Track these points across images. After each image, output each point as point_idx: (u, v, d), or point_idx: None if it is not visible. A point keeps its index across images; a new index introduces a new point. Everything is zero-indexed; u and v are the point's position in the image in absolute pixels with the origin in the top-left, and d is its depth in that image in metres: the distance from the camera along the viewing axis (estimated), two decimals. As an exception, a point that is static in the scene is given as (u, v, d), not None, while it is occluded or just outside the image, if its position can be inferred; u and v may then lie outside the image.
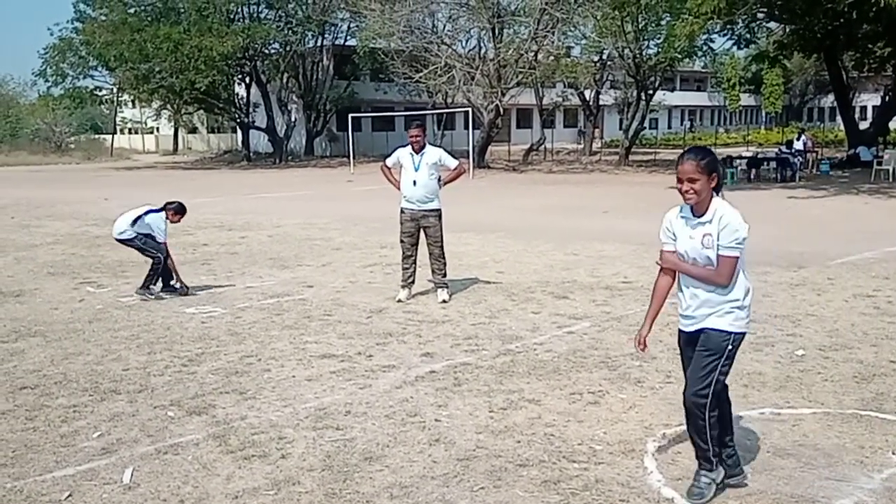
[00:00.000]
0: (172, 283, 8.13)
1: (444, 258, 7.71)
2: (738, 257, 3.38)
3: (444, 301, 7.54)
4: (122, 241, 8.02)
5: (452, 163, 7.78)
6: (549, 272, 9.08)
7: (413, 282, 7.77)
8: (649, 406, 4.75)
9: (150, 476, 3.88)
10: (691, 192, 3.36)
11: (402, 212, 7.69)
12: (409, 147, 7.64)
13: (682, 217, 3.50)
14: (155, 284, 8.00)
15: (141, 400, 4.97)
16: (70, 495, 3.68)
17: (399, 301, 7.60)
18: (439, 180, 7.66)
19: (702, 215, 3.41)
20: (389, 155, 7.95)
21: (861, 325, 6.46)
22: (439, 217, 7.65)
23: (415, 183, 7.51)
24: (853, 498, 3.56)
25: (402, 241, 7.73)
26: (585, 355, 5.78)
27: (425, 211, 7.56)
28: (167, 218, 8.04)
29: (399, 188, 7.66)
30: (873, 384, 5.03)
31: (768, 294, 7.71)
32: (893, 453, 4.00)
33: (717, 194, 3.43)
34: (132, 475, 3.88)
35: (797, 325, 6.50)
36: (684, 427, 4.36)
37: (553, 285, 8.31)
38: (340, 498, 3.62)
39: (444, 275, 7.73)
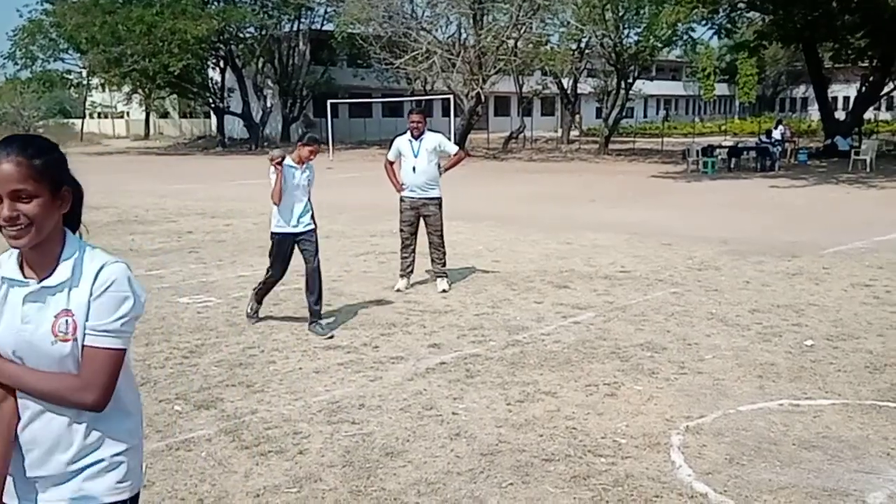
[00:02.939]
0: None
1: (443, 247, 7.60)
2: (123, 352, 1.73)
3: (445, 290, 7.43)
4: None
5: (452, 148, 7.66)
6: (546, 261, 9.01)
7: (412, 271, 7.65)
8: (667, 398, 4.69)
9: (164, 474, 3.73)
10: (20, 223, 1.66)
11: (401, 200, 7.54)
12: (408, 134, 7.50)
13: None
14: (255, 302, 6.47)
15: (144, 393, 4.79)
16: (82, 495, 3.52)
17: (398, 290, 7.47)
18: (439, 167, 7.53)
19: (50, 275, 1.72)
20: (389, 147, 7.77)
21: (864, 315, 6.48)
22: (440, 206, 7.52)
23: (414, 169, 7.37)
24: (885, 491, 3.53)
25: (401, 230, 7.59)
26: (595, 346, 5.71)
27: (426, 199, 7.43)
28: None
29: (399, 191, 7.51)
30: (886, 374, 5.03)
31: (767, 284, 7.71)
32: (919, 445, 3.98)
33: (79, 234, 1.81)
34: (145, 473, 3.72)
35: (801, 315, 6.50)
36: (707, 419, 4.35)
37: (551, 274, 8.24)
38: (366, 495, 3.51)
39: (444, 264, 7.62)
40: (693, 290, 7.42)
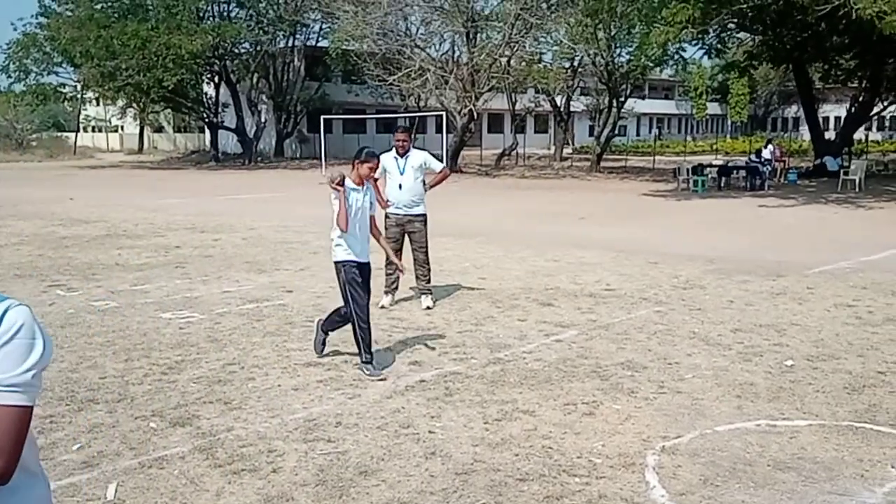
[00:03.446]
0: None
1: (428, 264, 7.60)
2: (31, 410, 1.47)
3: (429, 308, 7.42)
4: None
5: (438, 165, 7.69)
6: (532, 279, 9.02)
7: (397, 288, 7.65)
8: (645, 417, 4.69)
9: (135, 492, 3.70)
10: None
11: (386, 217, 7.55)
12: (393, 151, 7.53)
13: None
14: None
15: (120, 410, 4.77)
16: (50, 513, 3.49)
17: (382, 307, 7.46)
18: (424, 184, 7.55)
19: None
20: None
21: (845, 335, 6.50)
22: (425, 222, 7.54)
23: (400, 187, 7.40)
24: (858, 513, 3.53)
25: (385, 247, 7.59)
26: (576, 364, 5.71)
27: (411, 216, 7.45)
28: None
29: (385, 207, 7.52)
30: (864, 395, 5.04)
31: (751, 303, 7.73)
32: (893, 466, 3.99)
33: None
34: (116, 491, 3.70)
35: (782, 335, 6.52)
36: (683, 440, 4.34)
37: (536, 292, 8.25)
38: (337, 515, 3.49)
39: (429, 281, 7.62)
40: (677, 309, 7.43)
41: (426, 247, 7.58)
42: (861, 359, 5.84)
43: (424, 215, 7.53)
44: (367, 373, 5.41)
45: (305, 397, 5.01)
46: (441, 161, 7.94)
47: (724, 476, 3.88)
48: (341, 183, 5.47)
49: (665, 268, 9.71)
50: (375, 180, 6.00)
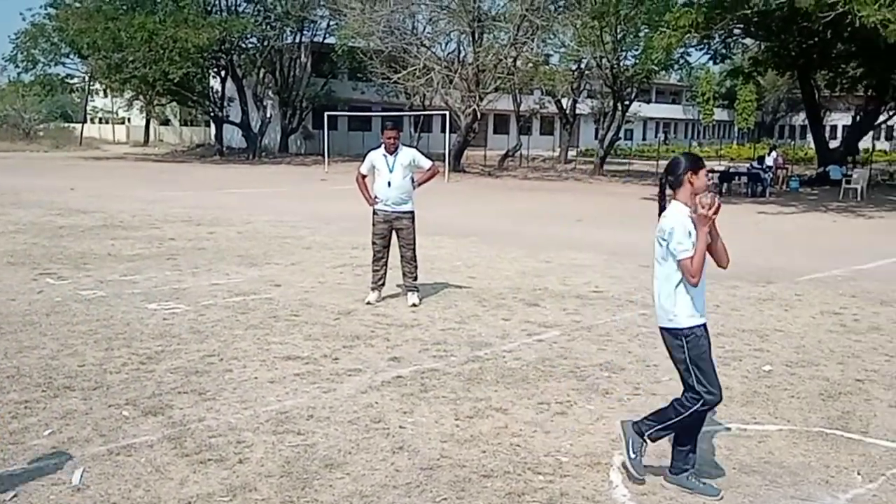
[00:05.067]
0: None
1: (415, 261, 7.62)
2: None
3: (415, 305, 7.44)
4: None
5: (426, 163, 7.69)
6: (521, 279, 9.02)
7: (383, 284, 7.67)
8: (617, 418, 4.67)
9: (100, 478, 3.73)
10: None
11: (374, 213, 7.57)
12: (382, 148, 7.54)
13: None
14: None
15: (95, 398, 4.80)
16: (16, 496, 3.52)
17: (368, 303, 7.48)
18: (413, 181, 7.57)
19: None
20: (363, 160, 7.78)
21: (828, 343, 6.49)
22: (412, 219, 7.55)
23: (389, 184, 7.41)
24: (818, 518, 3.53)
25: (373, 243, 7.62)
26: (554, 364, 5.72)
27: (399, 213, 7.46)
28: None
29: (372, 204, 7.53)
30: (839, 402, 5.04)
31: (736, 308, 7.73)
32: (859, 473, 3.99)
33: None
34: (82, 476, 3.72)
35: (764, 340, 6.51)
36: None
37: (524, 292, 8.25)
38: (298, 506, 3.51)
39: (415, 278, 7.63)
40: (662, 313, 7.42)
41: (413, 244, 7.59)
42: (841, 366, 5.83)
43: (412, 212, 7.55)
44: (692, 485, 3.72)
45: (280, 390, 5.03)
46: (431, 159, 7.91)
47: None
48: (718, 210, 3.49)
49: (656, 271, 9.69)
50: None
